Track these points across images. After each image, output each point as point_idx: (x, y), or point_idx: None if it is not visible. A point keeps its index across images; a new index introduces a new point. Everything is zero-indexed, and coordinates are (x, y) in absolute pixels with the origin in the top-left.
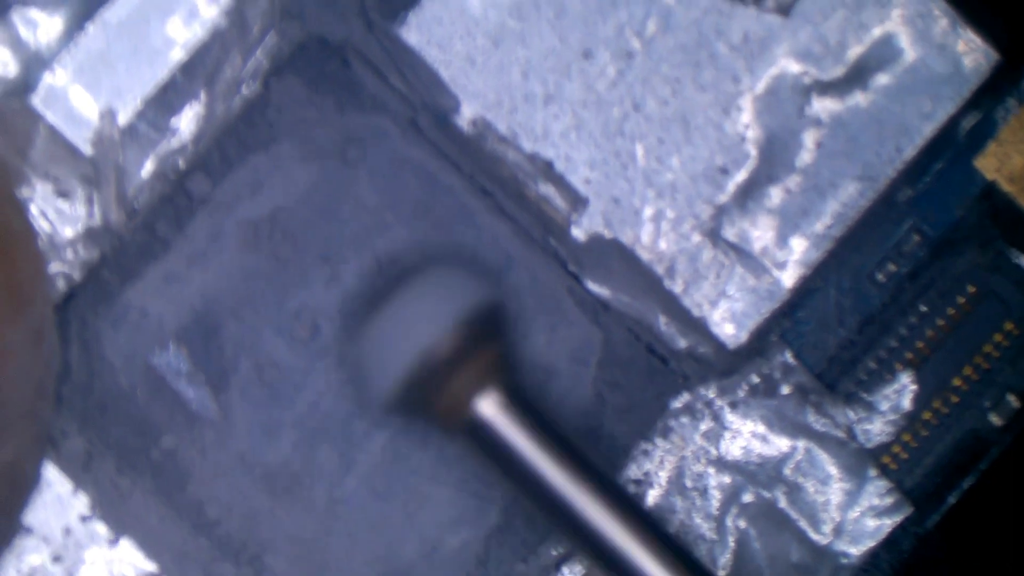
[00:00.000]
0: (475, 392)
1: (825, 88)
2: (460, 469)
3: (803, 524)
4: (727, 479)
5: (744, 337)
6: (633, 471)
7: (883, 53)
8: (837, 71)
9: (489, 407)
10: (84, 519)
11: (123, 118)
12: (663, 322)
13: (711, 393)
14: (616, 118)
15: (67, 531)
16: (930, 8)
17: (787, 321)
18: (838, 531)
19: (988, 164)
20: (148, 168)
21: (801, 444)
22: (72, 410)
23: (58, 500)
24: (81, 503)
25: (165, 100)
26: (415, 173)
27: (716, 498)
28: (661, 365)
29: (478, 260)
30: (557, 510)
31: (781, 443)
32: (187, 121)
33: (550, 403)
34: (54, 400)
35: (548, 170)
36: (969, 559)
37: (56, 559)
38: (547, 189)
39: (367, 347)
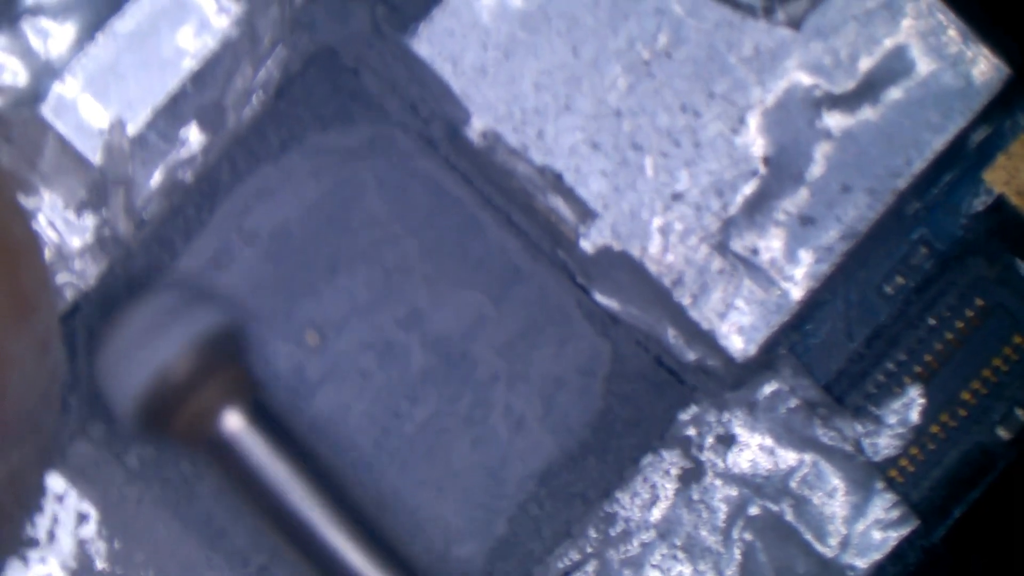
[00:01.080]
0: (216, 411)
1: (836, 101)
2: (466, 481)
3: (809, 537)
4: (734, 492)
5: (753, 350)
6: (640, 483)
7: (894, 67)
8: (848, 84)
9: (231, 425)
10: (91, 529)
11: (132, 128)
12: (672, 335)
13: (719, 406)
14: (626, 131)
15: (75, 542)
16: (941, 22)
17: (795, 334)
18: (844, 544)
19: (997, 177)
20: (157, 178)
21: (808, 457)
22: (79, 420)
23: (65, 510)
24: (88, 514)
25: (175, 111)
26: (424, 185)
27: (723, 511)
28: (669, 378)
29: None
30: (291, 527)
31: (788, 456)
32: (196, 132)
33: (299, 422)
34: (60, 410)
35: (557, 182)
36: (975, 573)
37: (63, 569)
38: (556, 201)
39: (105, 365)
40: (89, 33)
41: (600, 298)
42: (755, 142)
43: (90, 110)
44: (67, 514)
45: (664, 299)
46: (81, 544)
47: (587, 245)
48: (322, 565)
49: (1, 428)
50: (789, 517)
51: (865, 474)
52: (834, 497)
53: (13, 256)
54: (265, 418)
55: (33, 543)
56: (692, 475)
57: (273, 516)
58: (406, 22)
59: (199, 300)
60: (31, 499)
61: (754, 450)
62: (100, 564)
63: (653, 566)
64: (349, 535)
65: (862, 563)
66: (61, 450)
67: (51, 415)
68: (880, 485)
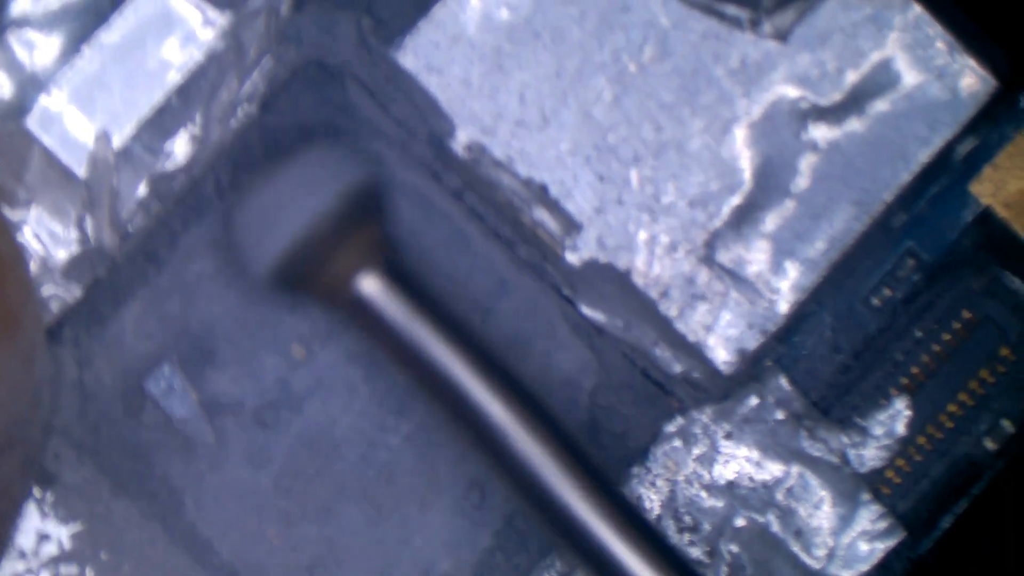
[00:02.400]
0: (357, 270)
1: (822, 113)
2: (453, 494)
3: (796, 548)
4: (720, 503)
5: (739, 362)
6: (626, 494)
7: (880, 79)
8: (834, 96)
9: (371, 285)
10: (74, 541)
11: (118, 141)
12: (658, 347)
13: (705, 418)
14: (611, 143)
15: (59, 554)
16: (928, 34)
17: (782, 346)
18: (831, 555)
19: (984, 189)
20: (142, 191)
21: (794, 469)
22: (65, 433)
23: (50, 524)
24: (74, 526)
25: (160, 123)
26: (410, 197)
27: (709, 522)
28: (655, 390)
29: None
30: (436, 387)
31: (774, 468)
32: (182, 144)
33: (436, 285)
34: (45, 423)
35: (543, 195)
36: None
37: None
38: (542, 214)
39: (247, 220)
40: (75, 45)
41: (586, 310)
42: (741, 154)
43: (76, 123)
44: (52, 526)
45: (650, 311)
46: (66, 556)
47: (573, 258)
48: (465, 417)
49: None
50: (775, 528)
51: (851, 486)
52: (820, 509)
53: None
54: (402, 277)
55: (19, 555)
56: (678, 487)
57: (412, 373)
58: (392, 35)
59: (343, 157)
60: (16, 510)
61: (740, 462)
62: (87, 573)
63: None
64: (486, 384)
65: (849, 575)
66: (46, 463)
67: (36, 427)
68: (866, 496)
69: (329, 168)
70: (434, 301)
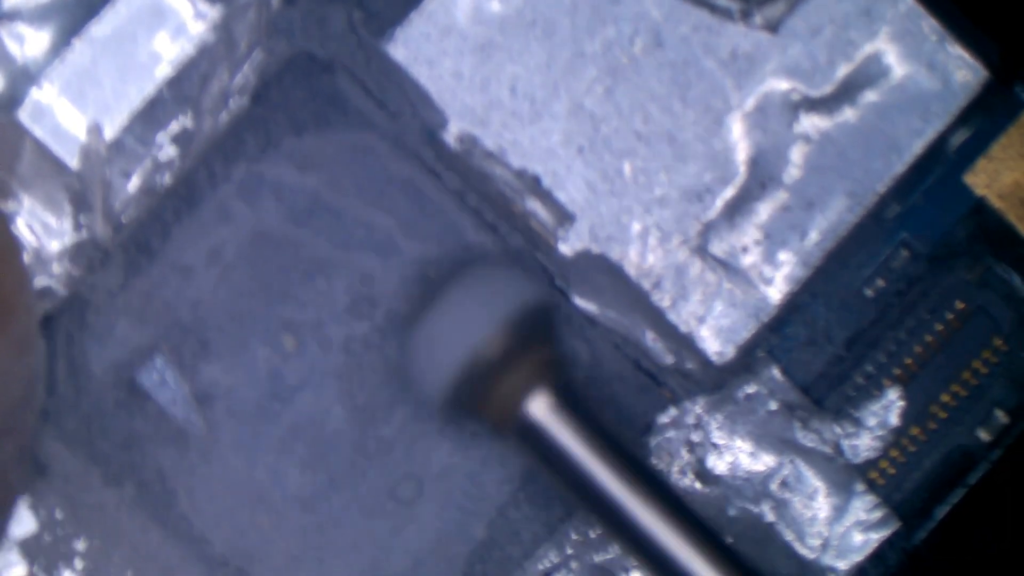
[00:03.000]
0: (526, 393)
1: (814, 105)
2: (445, 485)
3: (790, 538)
4: (714, 494)
5: (731, 353)
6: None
7: (872, 70)
8: (826, 88)
9: (540, 408)
10: (67, 533)
11: (110, 133)
12: (650, 338)
13: (698, 409)
14: (604, 134)
15: (51, 545)
16: (919, 25)
17: (775, 337)
18: (825, 546)
19: (978, 180)
20: (135, 183)
21: (788, 459)
22: (57, 424)
23: (42, 513)
24: (65, 517)
25: (152, 115)
26: (403, 189)
27: (703, 513)
28: (648, 381)
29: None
30: (607, 512)
31: (768, 458)
32: (174, 136)
33: (602, 406)
34: (39, 411)
35: (535, 186)
36: (956, 574)
37: (41, 570)
38: (534, 205)
39: (417, 346)
40: (66, 38)
41: (579, 301)
42: (733, 145)
43: (67, 115)
44: (45, 515)
45: (643, 302)
46: (57, 547)
47: (565, 248)
48: (633, 543)
49: None
50: (770, 519)
51: (845, 476)
52: (815, 499)
53: None
54: (574, 399)
55: (7, 543)
56: (672, 478)
57: (581, 496)
58: (383, 27)
59: (513, 279)
60: (12, 499)
61: (734, 452)
62: (79, 564)
63: (633, 568)
64: (658, 516)
65: (843, 565)
66: (38, 453)
67: (30, 416)
68: (860, 487)
69: (500, 290)
70: (603, 423)
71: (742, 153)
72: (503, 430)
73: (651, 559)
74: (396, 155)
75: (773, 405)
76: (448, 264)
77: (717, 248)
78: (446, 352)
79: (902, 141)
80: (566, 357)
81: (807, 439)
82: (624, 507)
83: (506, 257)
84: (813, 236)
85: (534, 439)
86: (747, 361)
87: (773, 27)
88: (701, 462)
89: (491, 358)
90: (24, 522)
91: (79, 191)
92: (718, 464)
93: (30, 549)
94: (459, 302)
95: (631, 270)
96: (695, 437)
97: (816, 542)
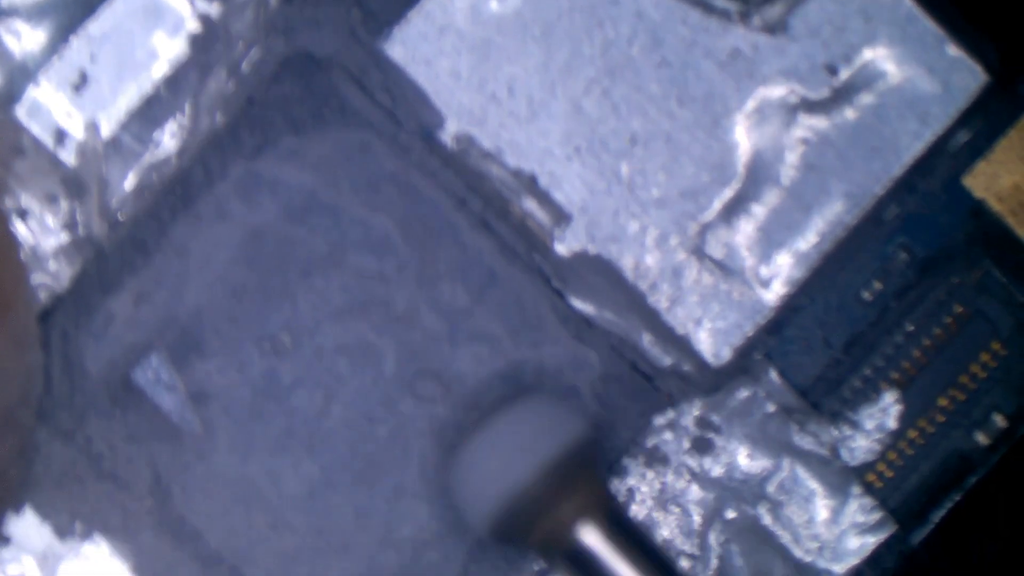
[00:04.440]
0: (573, 523)
1: (812, 106)
2: (440, 483)
3: (786, 541)
4: (710, 496)
5: (728, 355)
6: (617, 487)
7: (871, 72)
8: (825, 90)
9: (588, 537)
10: (63, 530)
11: (107, 131)
12: (647, 339)
13: (695, 410)
14: (601, 135)
15: (47, 542)
16: (919, 28)
17: (772, 339)
18: (821, 548)
19: (977, 183)
20: (131, 181)
21: (785, 462)
22: (52, 422)
23: (38, 511)
24: (61, 515)
25: (149, 113)
26: (399, 188)
27: (699, 514)
28: (645, 382)
29: (569, 391)
30: None
31: (765, 461)
32: (171, 134)
33: (649, 535)
34: (37, 408)
35: (532, 186)
36: None
37: (37, 567)
38: (531, 205)
39: (467, 471)
40: (63, 35)
41: (575, 302)
42: (731, 147)
43: (65, 112)
44: (40, 512)
45: (639, 303)
46: (51, 546)
47: (562, 249)
48: None
49: None
50: (766, 521)
51: (842, 479)
52: (811, 502)
53: None
54: (621, 529)
55: (5, 541)
56: (668, 479)
57: None
58: (380, 26)
59: (558, 412)
60: (11, 495)
61: (730, 455)
62: (72, 561)
63: None
64: None
65: (839, 568)
66: (34, 452)
67: (29, 413)
68: (857, 490)
69: (548, 420)
70: (653, 548)
71: (740, 155)
72: (552, 558)
73: None
74: (393, 154)
75: (770, 407)
76: (444, 264)
77: (714, 250)
78: (491, 486)
79: (900, 143)
80: (609, 487)
81: (804, 441)
82: None
83: (553, 390)
84: (811, 238)
85: (583, 568)
86: (744, 363)
87: (772, 29)
88: (698, 464)
89: (536, 493)
90: (18, 519)
91: (76, 189)
92: (715, 466)
93: (25, 546)
94: (509, 433)
95: (628, 271)
96: (692, 439)
97: (813, 545)
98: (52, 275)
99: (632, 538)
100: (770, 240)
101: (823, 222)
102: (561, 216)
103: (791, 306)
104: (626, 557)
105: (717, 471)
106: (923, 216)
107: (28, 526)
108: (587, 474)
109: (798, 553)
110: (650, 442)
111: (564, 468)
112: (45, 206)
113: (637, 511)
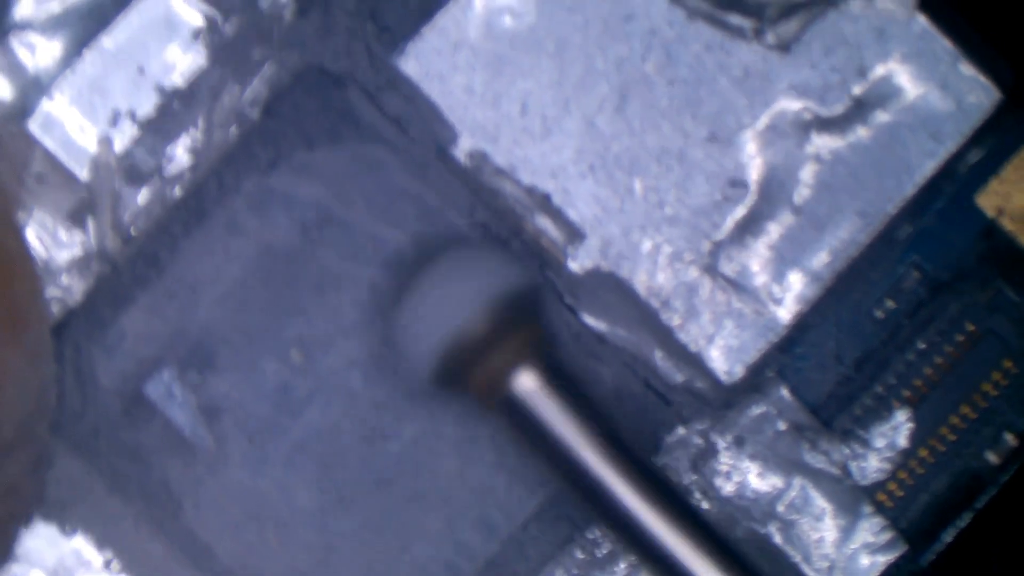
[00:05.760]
0: (512, 370)
1: (825, 124)
2: (454, 502)
3: (797, 560)
4: (721, 514)
5: (740, 372)
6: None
7: (884, 90)
8: (838, 108)
9: (526, 384)
10: (75, 546)
11: (120, 144)
12: (659, 356)
13: (706, 428)
14: (615, 152)
15: (58, 557)
16: (932, 45)
17: (784, 357)
18: (832, 568)
19: (990, 202)
20: (144, 195)
21: (796, 480)
22: (64, 436)
23: (49, 526)
24: (72, 530)
25: (162, 127)
26: (412, 204)
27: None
28: (657, 400)
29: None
30: (591, 492)
31: (776, 479)
32: (184, 149)
33: (592, 384)
34: (51, 423)
35: (545, 203)
36: None
37: None
38: (544, 222)
39: (403, 322)
40: (77, 48)
41: (588, 319)
42: (744, 164)
43: (78, 126)
44: (48, 530)
45: (652, 321)
46: (62, 560)
47: (575, 266)
48: (615, 526)
49: None
50: (777, 540)
51: (853, 498)
52: (822, 521)
53: (7, 268)
54: (560, 377)
55: (14, 558)
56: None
57: (566, 476)
58: (395, 41)
59: (499, 259)
60: (26, 509)
61: (741, 472)
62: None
63: None
64: (640, 495)
65: None
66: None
67: (44, 426)
68: (868, 509)
69: (484, 266)
70: (590, 402)
71: (753, 172)
72: (490, 405)
73: (633, 540)
74: (406, 170)
75: (782, 425)
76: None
77: (727, 267)
78: (432, 328)
79: (914, 162)
80: (553, 338)
81: (815, 460)
82: (606, 485)
83: (491, 241)
84: (823, 256)
85: (520, 415)
86: (756, 381)
87: (786, 46)
88: (709, 482)
89: (476, 335)
90: (30, 533)
91: (88, 202)
92: (726, 484)
93: (36, 560)
94: (445, 279)
95: (640, 288)
96: (703, 457)
97: (823, 564)
98: (65, 289)
99: (570, 388)
100: (783, 258)
101: (836, 240)
102: (574, 234)
103: (803, 324)
104: (560, 405)
105: (728, 489)
106: (935, 235)
107: (39, 540)
108: (526, 323)
109: (809, 572)
110: (661, 459)
111: (501, 312)
112: (58, 220)
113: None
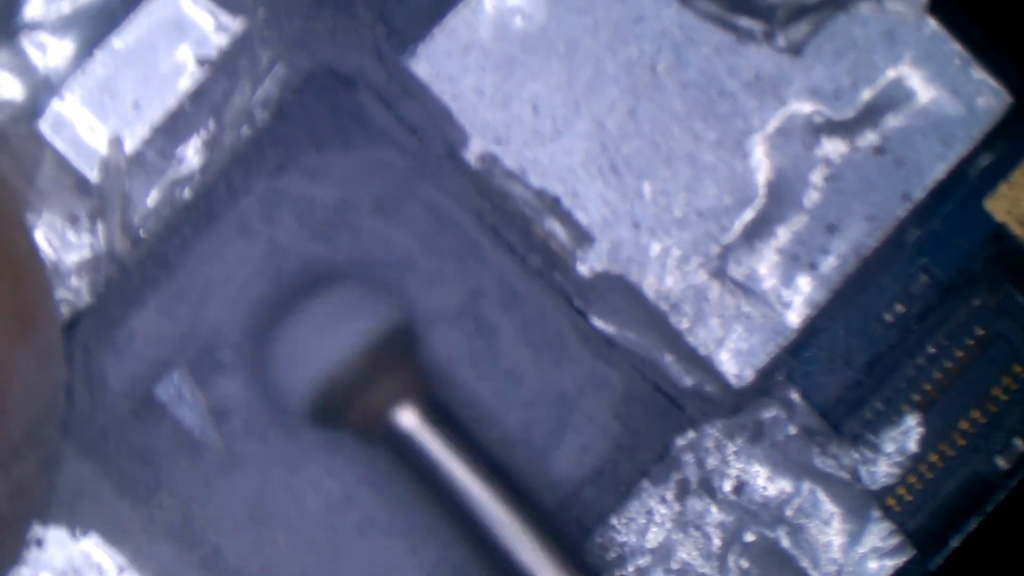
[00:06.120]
0: (390, 405)
1: (836, 128)
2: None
3: (805, 564)
4: (730, 518)
5: (750, 376)
6: (636, 508)
7: (895, 94)
8: (848, 111)
9: (405, 420)
10: (84, 548)
11: (130, 146)
12: (668, 360)
13: (716, 432)
14: (625, 154)
15: (67, 559)
16: (943, 49)
17: (794, 361)
18: (840, 572)
19: (999, 206)
20: (154, 196)
21: (805, 485)
22: (73, 437)
23: (58, 528)
24: (81, 531)
25: (173, 128)
26: (422, 206)
27: (718, 537)
28: (666, 403)
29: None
30: (469, 524)
31: (785, 483)
32: (194, 150)
33: (474, 421)
34: (60, 424)
35: (555, 206)
36: None
37: None
38: (553, 225)
39: (279, 356)
40: (87, 49)
41: (597, 322)
42: (754, 168)
43: (88, 127)
44: (56, 532)
45: (661, 324)
46: (71, 559)
47: (584, 269)
48: (496, 563)
49: (4, 441)
50: (785, 544)
51: (862, 502)
52: (830, 525)
53: (17, 269)
54: (440, 414)
55: (25, 560)
56: (688, 501)
57: (448, 512)
58: (405, 43)
59: (374, 297)
60: (35, 512)
61: (750, 476)
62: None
63: None
64: (524, 533)
65: None
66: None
67: (54, 428)
68: (877, 513)
69: (358, 306)
70: (470, 436)
71: (763, 175)
72: (369, 440)
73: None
74: (416, 172)
75: (791, 429)
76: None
77: (736, 271)
78: (309, 364)
79: (923, 166)
80: (427, 373)
81: (825, 464)
82: (485, 515)
83: (361, 278)
84: (832, 260)
85: (398, 450)
86: (766, 385)
87: (796, 49)
88: (718, 486)
89: (350, 376)
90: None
91: (98, 204)
92: (734, 488)
93: (47, 562)
94: (319, 316)
95: (650, 292)
96: (712, 460)
97: (831, 568)
98: (74, 291)
99: (449, 424)
100: (792, 261)
101: (845, 244)
102: (583, 237)
103: (813, 328)
104: (442, 440)
105: (737, 493)
106: (945, 239)
107: (49, 542)
108: (403, 360)
109: None
110: (670, 463)
111: (377, 350)
112: (67, 221)
113: (656, 533)
